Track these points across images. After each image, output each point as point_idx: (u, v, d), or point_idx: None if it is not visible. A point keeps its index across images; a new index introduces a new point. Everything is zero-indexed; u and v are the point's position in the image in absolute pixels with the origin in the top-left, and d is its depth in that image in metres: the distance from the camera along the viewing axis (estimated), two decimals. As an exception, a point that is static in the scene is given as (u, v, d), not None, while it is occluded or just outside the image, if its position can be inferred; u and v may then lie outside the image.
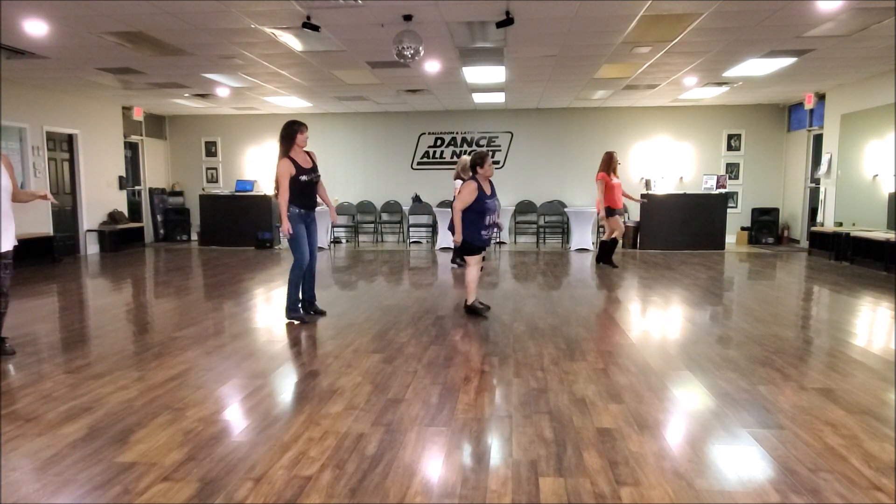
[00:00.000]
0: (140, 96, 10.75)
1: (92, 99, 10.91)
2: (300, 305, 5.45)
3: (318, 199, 5.44)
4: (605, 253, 8.85)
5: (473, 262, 5.59)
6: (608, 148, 12.43)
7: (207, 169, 13.63)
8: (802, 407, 3.26)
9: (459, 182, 8.10)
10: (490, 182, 5.56)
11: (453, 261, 9.39)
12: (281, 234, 5.18)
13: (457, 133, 12.86)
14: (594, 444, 2.79)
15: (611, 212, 8.48)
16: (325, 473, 2.53)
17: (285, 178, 5.02)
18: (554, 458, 2.65)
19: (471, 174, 5.54)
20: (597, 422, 3.06)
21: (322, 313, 5.57)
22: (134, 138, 12.58)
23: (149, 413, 3.20)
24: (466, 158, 8.18)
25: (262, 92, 10.25)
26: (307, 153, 5.24)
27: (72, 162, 10.67)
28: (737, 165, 12.37)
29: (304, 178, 5.10)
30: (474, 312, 5.61)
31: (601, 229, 12.42)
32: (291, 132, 5.08)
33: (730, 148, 12.36)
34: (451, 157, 12.79)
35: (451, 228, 5.65)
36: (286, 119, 5.42)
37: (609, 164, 8.44)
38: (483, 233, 5.48)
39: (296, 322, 5.31)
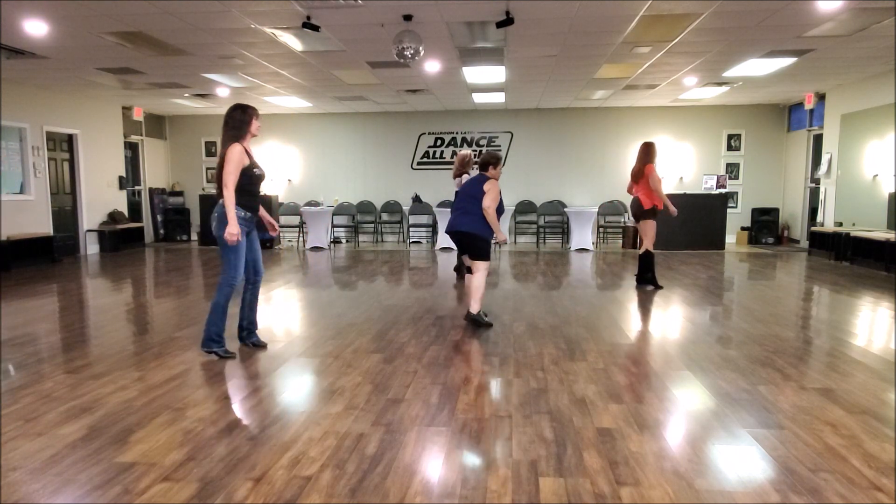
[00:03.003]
0: (140, 96, 10.76)
1: (92, 99, 10.91)
2: (241, 335, 4.48)
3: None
4: (646, 269, 7.10)
5: (484, 267, 5.15)
6: (608, 148, 12.55)
7: (207, 169, 13.61)
8: (802, 407, 3.26)
9: (467, 176, 7.40)
10: None
11: (466, 270, 7.95)
12: (228, 239, 4.03)
13: (457, 133, 12.87)
14: (594, 444, 2.79)
15: (655, 213, 6.90)
16: (325, 473, 2.53)
17: (238, 168, 4.03)
18: (554, 458, 2.65)
19: (478, 171, 5.21)
20: (597, 422, 3.06)
21: (263, 346, 4.48)
22: (134, 138, 12.58)
23: (149, 413, 3.20)
24: (466, 152, 7.69)
25: (262, 92, 10.25)
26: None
27: (72, 162, 10.67)
28: (737, 165, 12.38)
29: (257, 171, 4.19)
30: (477, 324, 5.16)
31: (602, 230, 12.47)
32: (246, 117, 4.11)
33: (730, 148, 12.37)
34: (451, 157, 12.77)
35: (480, 235, 5.00)
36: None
37: (648, 153, 6.85)
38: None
39: (216, 356, 4.19)
